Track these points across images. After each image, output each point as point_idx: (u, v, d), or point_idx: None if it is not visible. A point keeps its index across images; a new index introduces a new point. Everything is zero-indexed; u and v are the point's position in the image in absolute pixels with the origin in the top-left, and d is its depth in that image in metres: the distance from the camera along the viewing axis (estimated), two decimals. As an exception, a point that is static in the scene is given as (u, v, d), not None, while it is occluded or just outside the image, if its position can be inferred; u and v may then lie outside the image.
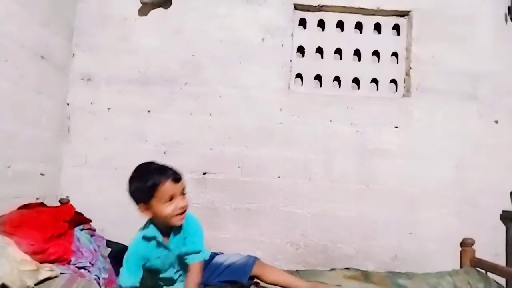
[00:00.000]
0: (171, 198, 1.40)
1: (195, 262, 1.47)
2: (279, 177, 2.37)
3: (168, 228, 1.47)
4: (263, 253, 2.24)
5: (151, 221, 1.46)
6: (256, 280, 1.73)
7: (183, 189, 1.44)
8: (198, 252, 1.49)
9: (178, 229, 1.48)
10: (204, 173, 2.37)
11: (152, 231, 1.46)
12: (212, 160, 2.35)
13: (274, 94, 2.40)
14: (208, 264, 1.68)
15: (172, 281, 1.57)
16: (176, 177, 1.41)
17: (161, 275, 1.54)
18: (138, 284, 1.45)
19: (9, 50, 1.80)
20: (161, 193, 1.38)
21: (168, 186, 1.39)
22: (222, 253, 1.83)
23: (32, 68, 1.99)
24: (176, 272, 1.55)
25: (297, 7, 2.47)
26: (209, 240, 1.79)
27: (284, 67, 2.42)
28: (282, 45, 2.43)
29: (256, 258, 1.74)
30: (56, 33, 2.20)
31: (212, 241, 1.84)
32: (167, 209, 1.39)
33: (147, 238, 1.46)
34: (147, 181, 1.38)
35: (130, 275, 1.44)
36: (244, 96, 2.40)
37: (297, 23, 2.51)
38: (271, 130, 2.39)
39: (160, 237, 1.46)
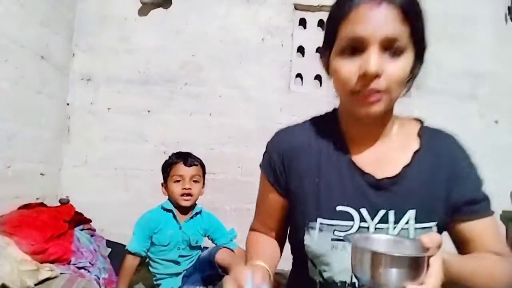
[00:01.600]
0: (180, 179, 1.64)
1: (235, 248, 1.70)
2: (279, 177, 2.37)
3: (182, 211, 1.68)
4: (263, 253, 2.24)
5: (169, 200, 1.69)
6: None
7: (195, 176, 1.66)
8: (231, 240, 1.75)
9: (195, 216, 1.69)
10: (204, 173, 2.37)
11: (170, 205, 1.68)
12: (212, 160, 2.34)
13: (274, 94, 2.40)
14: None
15: (175, 264, 1.61)
16: (188, 161, 1.66)
17: (165, 256, 1.63)
18: (143, 254, 1.63)
19: (9, 50, 1.80)
20: (172, 172, 1.65)
21: (178, 167, 1.65)
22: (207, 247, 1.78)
23: (32, 68, 1.99)
24: (180, 256, 1.65)
25: (297, 7, 2.47)
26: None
27: (284, 67, 2.42)
28: (282, 45, 2.43)
29: (218, 247, 1.62)
30: (56, 33, 2.20)
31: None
32: (175, 188, 1.63)
33: (165, 209, 1.67)
34: (166, 162, 1.70)
35: (138, 241, 1.62)
36: (244, 96, 2.40)
37: (297, 23, 2.50)
38: (271, 130, 2.36)
39: (176, 212, 1.67)
